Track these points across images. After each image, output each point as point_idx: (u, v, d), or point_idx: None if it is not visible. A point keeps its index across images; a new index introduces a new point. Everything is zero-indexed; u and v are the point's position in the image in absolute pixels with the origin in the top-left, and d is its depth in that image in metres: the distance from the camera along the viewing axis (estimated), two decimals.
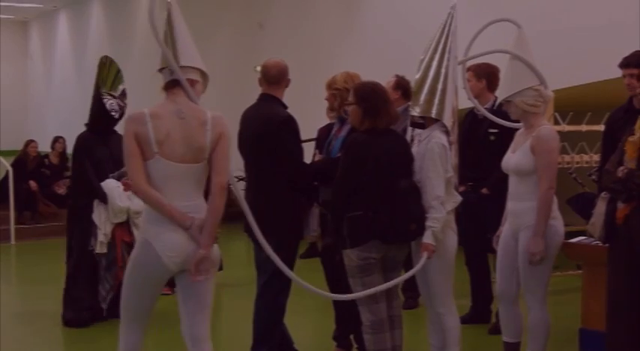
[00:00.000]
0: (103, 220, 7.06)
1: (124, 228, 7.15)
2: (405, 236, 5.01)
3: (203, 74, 4.49)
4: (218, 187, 4.13)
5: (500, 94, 5.60)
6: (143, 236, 4.18)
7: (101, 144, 7.21)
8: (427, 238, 4.96)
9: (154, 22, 4.32)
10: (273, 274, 5.50)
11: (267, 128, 5.43)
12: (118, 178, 7.12)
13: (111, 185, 7.11)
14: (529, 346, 5.46)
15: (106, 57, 7.48)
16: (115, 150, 6.83)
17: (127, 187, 6.72)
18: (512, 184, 5.41)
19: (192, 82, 4.36)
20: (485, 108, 6.57)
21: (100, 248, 7.05)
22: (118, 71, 7.41)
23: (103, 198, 7.05)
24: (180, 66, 4.29)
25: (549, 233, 5.27)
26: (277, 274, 5.47)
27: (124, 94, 7.32)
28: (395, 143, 5.08)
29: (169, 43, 4.34)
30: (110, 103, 7.09)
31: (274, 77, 5.57)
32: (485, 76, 6.71)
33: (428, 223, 4.95)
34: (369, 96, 5.07)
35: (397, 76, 7.17)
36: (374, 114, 5.03)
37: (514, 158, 5.35)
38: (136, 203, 6.88)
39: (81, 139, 7.32)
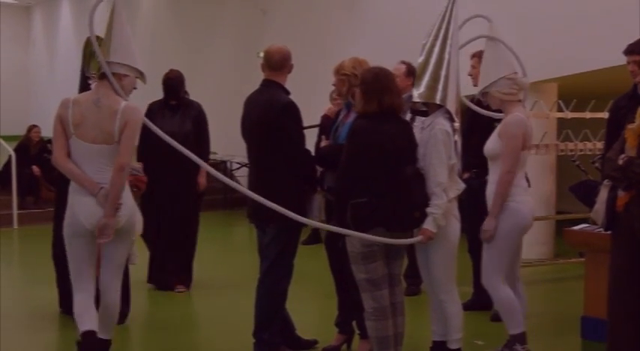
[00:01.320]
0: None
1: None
2: (408, 224, 5.00)
3: (138, 71, 5.11)
4: (117, 166, 4.90)
5: (479, 86, 5.67)
6: (69, 201, 5.03)
7: None
8: (427, 224, 4.96)
9: (92, 20, 5.15)
10: (275, 259, 5.51)
11: (268, 114, 5.43)
12: None
13: None
14: (506, 326, 5.53)
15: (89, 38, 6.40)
16: None
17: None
18: (490, 169, 5.59)
19: (120, 77, 5.03)
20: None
21: None
22: (92, 54, 6.28)
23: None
24: (109, 61, 4.99)
25: (508, 215, 5.37)
26: (279, 260, 5.49)
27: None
28: (400, 130, 5.06)
29: (107, 38, 5.08)
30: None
31: (277, 63, 5.56)
32: None
33: (429, 210, 4.94)
34: (369, 80, 5.06)
35: (404, 62, 7.14)
36: (366, 98, 5.02)
37: (487, 144, 5.53)
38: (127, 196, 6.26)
39: None
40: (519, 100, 5.55)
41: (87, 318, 4.99)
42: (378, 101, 5.00)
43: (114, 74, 4.99)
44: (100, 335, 5.05)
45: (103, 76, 5.03)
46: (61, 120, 5.03)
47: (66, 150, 5.01)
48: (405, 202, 4.91)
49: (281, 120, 5.40)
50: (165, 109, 7.92)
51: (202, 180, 7.90)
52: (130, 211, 5.08)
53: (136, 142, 5.56)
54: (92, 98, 5.01)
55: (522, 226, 5.49)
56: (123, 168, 4.92)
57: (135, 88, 5.20)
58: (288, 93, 5.58)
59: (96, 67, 6.23)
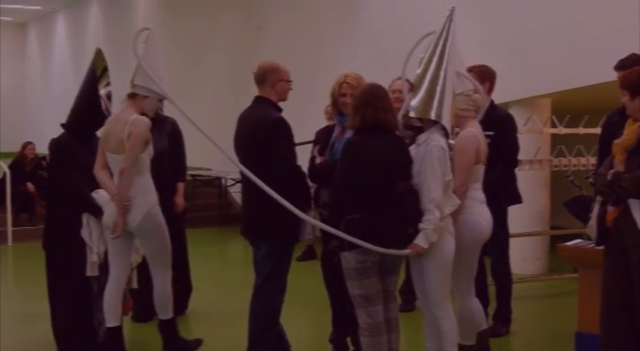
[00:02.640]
0: (95, 238, 6.11)
1: None
2: (402, 240, 4.99)
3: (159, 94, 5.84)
4: (118, 170, 5.65)
5: None
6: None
7: (85, 148, 6.19)
8: (418, 239, 4.95)
9: (135, 47, 5.76)
10: (269, 275, 5.52)
11: (257, 131, 5.46)
12: None
13: (104, 197, 6.02)
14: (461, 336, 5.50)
15: (101, 50, 6.57)
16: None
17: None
18: None
19: (141, 97, 5.84)
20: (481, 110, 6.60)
21: (92, 270, 6.14)
22: (106, 68, 6.47)
23: (97, 212, 6.02)
24: (133, 83, 5.79)
25: (465, 228, 5.34)
26: (272, 276, 5.50)
27: (109, 97, 6.34)
28: (393, 146, 5.07)
29: (139, 63, 5.75)
30: (105, 104, 6.21)
31: (258, 76, 5.63)
32: (489, 78, 6.72)
33: (421, 225, 4.94)
34: (358, 95, 5.13)
35: (401, 78, 7.18)
36: (357, 113, 5.06)
37: None
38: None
39: (61, 144, 6.34)
40: (474, 117, 5.65)
41: (112, 315, 5.88)
42: (361, 116, 5.04)
43: (137, 95, 5.81)
44: (159, 316, 6.10)
45: (131, 96, 5.82)
46: (101, 136, 5.89)
47: (102, 162, 5.83)
48: (398, 218, 4.91)
49: (270, 137, 5.42)
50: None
51: (180, 200, 7.29)
52: (144, 215, 5.76)
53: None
54: (117, 114, 5.89)
55: (480, 239, 5.48)
56: (122, 172, 5.62)
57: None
58: (278, 109, 5.60)
59: (103, 83, 6.33)
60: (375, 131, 5.03)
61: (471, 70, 6.63)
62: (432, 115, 5.13)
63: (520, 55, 9.16)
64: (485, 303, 6.95)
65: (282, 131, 5.46)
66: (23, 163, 13.48)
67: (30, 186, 13.11)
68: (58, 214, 6.32)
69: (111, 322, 5.90)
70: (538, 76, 9.01)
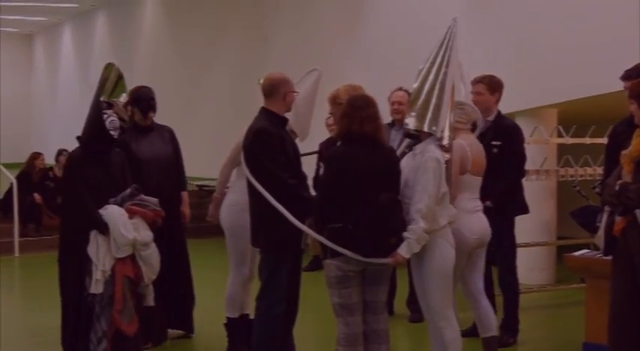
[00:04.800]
0: (101, 255, 5.80)
1: (126, 261, 5.87)
2: (383, 250, 4.96)
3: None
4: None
5: None
6: None
7: (97, 164, 6.00)
8: (400, 249, 4.93)
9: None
10: (267, 283, 5.50)
11: (246, 142, 5.48)
12: (121, 204, 5.94)
13: (114, 213, 5.85)
14: None
15: (111, 63, 6.45)
16: (113, 170, 6.07)
17: (132, 213, 5.88)
18: None
19: None
20: (488, 120, 6.62)
21: (96, 287, 5.77)
22: (120, 77, 6.35)
23: (103, 229, 5.79)
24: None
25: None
26: (271, 284, 5.47)
27: (125, 105, 6.34)
28: (377, 156, 5.06)
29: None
30: (111, 120, 5.91)
31: (266, 90, 5.61)
32: (498, 88, 6.72)
33: (404, 234, 4.93)
34: (346, 104, 5.15)
35: (402, 89, 7.19)
36: (340, 124, 5.12)
37: None
38: (143, 234, 5.92)
39: (73, 159, 6.17)
40: (466, 129, 5.73)
41: (233, 306, 6.31)
42: (340, 127, 5.12)
43: None
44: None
45: None
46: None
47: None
48: (381, 228, 4.90)
49: (252, 148, 5.42)
50: (136, 131, 6.79)
51: (186, 210, 7.10)
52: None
53: None
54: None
55: (460, 249, 5.41)
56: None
57: None
58: (283, 121, 5.58)
59: (108, 93, 6.10)
60: (361, 141, 5.02)
61: (480, 80, 6.66)
62: (425, 128, 5.15)
63: (526, 65, 9.15)
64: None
65: (264, 141, 5.39)
66: (31, 174, 13.49)
67: (37, 197, 13.12)
68: (69, 228, 6.10)
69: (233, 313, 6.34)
70: (544, 87, 9.00)
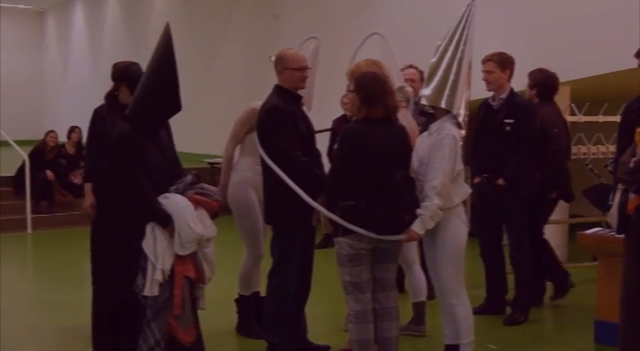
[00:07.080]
0: (160, 251, 4.84)
1: (186, 260, 4.94)
2: (397, 227, 4.98)
3: None
4: None
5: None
6: None
7: (152, 143, 5.04)
8: (414, 225, 4.95)
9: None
10: (277, 260, 5.51)
11: (258, 119, 5.50)
12: (183, 192, 5.03)
13: (179, 203, 4.92)
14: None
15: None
16: (166, 149, 5.19)
17: (197, 203, 5.02)
18: None
19: None
20: (501, 98, 6.60)
21: (151, 289, 4.82)
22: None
23: (166, 221, 4.86)
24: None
25: None
26: (280, 262, 5.48)
27: None
28: (391, 134, 5.03)
29: None
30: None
31: (275, 65, 5.61)
32: (509, 65, 6.68)
33: (418, 211, 4.94)
34: (368, 84, 5.03)
35: (412, 66, 7.16)
36: (370, 103, 4.98)
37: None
38: (209, 228, 5.06)
39: (126, 137, 4.95)
40: (405, 107, 5.82)
41: (247, 284, 6.36)
42: (369, 105, 4.98)
43: None
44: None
45: None
46: None
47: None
48: (394, 205, 4.89)
49: (264, 125, 5.42)
50: (118, 110, 5.51)
51: None
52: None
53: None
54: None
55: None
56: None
57: None
58: (294, 97, 5.54)
59: None
60: (374, 119, 4.99)
61: (490, 58, 6.63)
62: (443, 104, 5.14)
63: (538, 42, 9.10)
64: (504, 291, 6.97)
65: (274, 118, 5.38)
66: (44, 151, 13.52)
67: (49, 174, 13.15)
68: (114, 217, 5.31)
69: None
70: (557, 64, 8.94)
